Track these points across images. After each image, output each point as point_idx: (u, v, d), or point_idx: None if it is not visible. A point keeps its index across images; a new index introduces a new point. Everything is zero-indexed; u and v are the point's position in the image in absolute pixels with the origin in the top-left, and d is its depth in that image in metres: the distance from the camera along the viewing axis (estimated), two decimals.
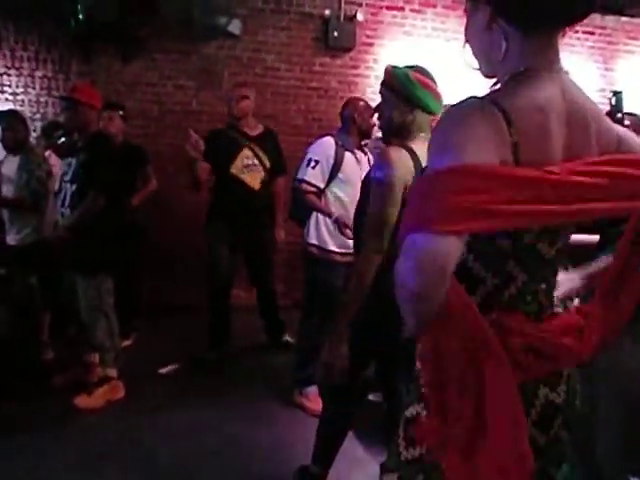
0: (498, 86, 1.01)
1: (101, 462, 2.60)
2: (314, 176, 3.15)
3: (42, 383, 3.35)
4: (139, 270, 4.18)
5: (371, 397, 3.14)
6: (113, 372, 3.24)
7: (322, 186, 3.16)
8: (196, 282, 4.34)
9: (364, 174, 3.10)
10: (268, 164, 3.74)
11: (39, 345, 3.70)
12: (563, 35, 0.99)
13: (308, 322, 3.26)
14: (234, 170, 3.65)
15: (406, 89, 2.05)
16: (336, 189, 3.17)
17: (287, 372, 3.40)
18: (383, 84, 2.14)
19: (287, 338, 4.07)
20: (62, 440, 2.79)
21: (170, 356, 3.75)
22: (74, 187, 3.12)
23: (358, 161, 3.21)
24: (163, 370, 3.64)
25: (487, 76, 1.06)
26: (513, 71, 0.97)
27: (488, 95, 0.97)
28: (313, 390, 3.24)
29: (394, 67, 2.13)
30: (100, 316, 3.16)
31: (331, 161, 3.14)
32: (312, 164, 3.16)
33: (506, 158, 0.89)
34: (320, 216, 3.20)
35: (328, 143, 3.18)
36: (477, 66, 1.06)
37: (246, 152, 3.67)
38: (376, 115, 2.26)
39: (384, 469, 1.10)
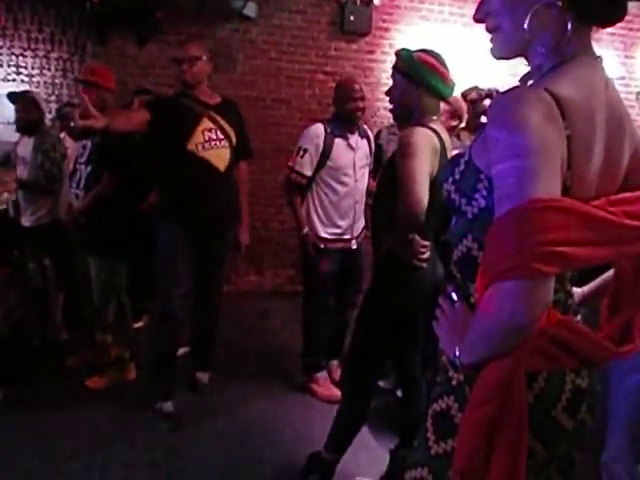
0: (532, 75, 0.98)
1: (112, 441, 2.64)
2: (303, 165, 3.10)
3: (56, 364, 3.40)
4: (153, 252, 4.19)
5: (381, 383, 3.16)
6: (125, 353, 3.28)
7: (309, 174, 3.11)
8: None
9: (362, 158, 3.19)
10: (234, 139, 2.93)
11: (53, 326, 3.75)
12: None
13: (308, 307, 3.28)
14: (192, 146, 2.77)
15: (410, 68, 2.06)
16: (326, 176, 3.12)
17: (296, 358, 3.42)
18: (393, 67, 2.15)
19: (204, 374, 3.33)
20: (74, 420, 2.83)
21: (182, 339, 3.78)
22: (89, 169, 3.13)
23: (351, 146, 3.14)
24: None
25: (500, 58, 1.02)
26: (561, 58, 0.94)
27: (539, 83, 0.93)
28: (322, 375, 3.25)
29: (402, 50, 2.13)
30: (112, 298, 3.20)
31: (320, 149, 3.07)
32: (301, 153, 3.10)
33: (563, 155, 0.88)
34: (311, 203, 3.15)
35: (316, 130, 3.11)
36: (495, 46, 1.01)
37: (207, 123, 2.83)
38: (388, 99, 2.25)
39: (411, 462, 1.09)
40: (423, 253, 2.11)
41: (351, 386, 2.33)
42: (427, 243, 2.10)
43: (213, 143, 2.83)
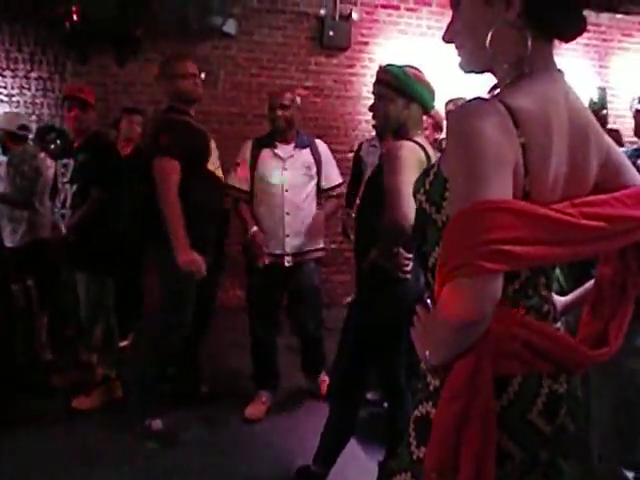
0: (496, 86, 1.02)
1: (99, 462, 2.60)
2: (237, 179, 3.08)
3: (41, 384, 3.35)
4: (140, 271, 4.17)
5: (369, 396, 3.16)
6: (111, 372, 3.25)
7: (244, 187, 3.07)
8: None
9: (296, 168, 3.05)
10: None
11: (37, 346, 3.70)
12: None
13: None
14: (210, 166, 2.92)
15: (403, 83, 2.09)
16: (256, 188, 3.07)
17: (284, 372, 3.41)
18: (378, 82, 2.18)
19: (204, 389, 3.38)
20: (60, 440, 2.79)
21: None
22: (74, 187, 3.14)
23: (279, 156, 3.06)
24: None
25: (468, 72, 1.06)
26: (521, 71, 0.98)
27: (495, 95, 0.97)
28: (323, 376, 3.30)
29: (388, 65, 2.16)
30: (99, 316, 3.17)
31: (248, 161, 3.06)
32: (235, 167, 3.11)
33: (518, 161, 0.91)
34: (257, 218, 3.06)
35: (245, 144, 3.13)
36: (462, 61, 1.05)
37: (212, 142, 2.97)
38: (371, 115, 2.28)
39: (395, 468, 1.10)
40: (407, 265, 2.13)
41: (338, 398, 2.33)
42: (410, 255, 2.13)
43: (217, 160, 3.11)
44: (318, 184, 3.18)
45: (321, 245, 3.23)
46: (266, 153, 3.04)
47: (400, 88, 2.10)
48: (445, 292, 0.87)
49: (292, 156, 3.07)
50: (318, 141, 3.27)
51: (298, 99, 3.13)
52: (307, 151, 3.13)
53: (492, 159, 0.88)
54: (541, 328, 0.98)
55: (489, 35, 0.98)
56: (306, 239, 3.10)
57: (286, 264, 3.05)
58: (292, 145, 3.09)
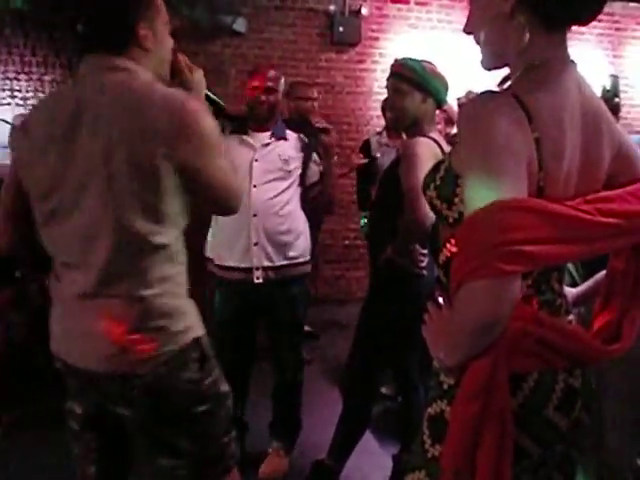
0: (510, 80, 1.00)
1: None
2: None
3: (59, 385, 3.39)
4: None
5: (383, 390, 3.17)
6: None
7: None
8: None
9: (270, 161, 2.41)
10: None
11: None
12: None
13: None
14: None
15: (421, 78, 2.08)
16: None
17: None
18: (396, 76, 2.15)
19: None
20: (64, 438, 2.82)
21: None
22: None
23: (249, 144, 2.46)
24: None
25: (489, 68, 1.05)
26: (529, 63, 0.96)
27: (507, 89, 0.96)
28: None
29: (404, 59, 2.15)
30: None
31: None
32: None
33: (531, 156, 0.90)
34: (220, 220, 2.42)
35: None
36: (483, 58, 1.04)
37: None
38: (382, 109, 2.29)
39: (409, 467, 1.11)
40: (422, 261, 2.14)
41: (352, 393, 2.34)
42: (425, 251, 2.13)
43: None
44: (302, 183, 2.55)
45: (304, 258, 2.53)
46: (233, 139, 2.45)
47: (418, 82, 2.09)
48: (463, 294, 0.86)
49: (267, 145, 2.46)
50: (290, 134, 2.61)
51: (282, 80, 2.57)
52: (291, 144, 2.53)
53: (508, 155, 0.87)
54: (555, 324, 0.97)
55: (486, 29, 0.98)
56: (282, 249, 2.42)
57: (255, 280, 2.38)
58: (268, 133, 2.48)
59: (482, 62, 1.05)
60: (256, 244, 2.37)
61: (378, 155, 3.56)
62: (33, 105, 1.38)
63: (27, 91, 5.08)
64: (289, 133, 2.56)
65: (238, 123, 2.52)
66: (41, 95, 5.09)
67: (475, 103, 0.93)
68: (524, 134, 0.89)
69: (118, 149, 1.22)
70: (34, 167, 1.31)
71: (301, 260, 2.51)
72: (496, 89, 0.98)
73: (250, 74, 2.55)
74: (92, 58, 1.32)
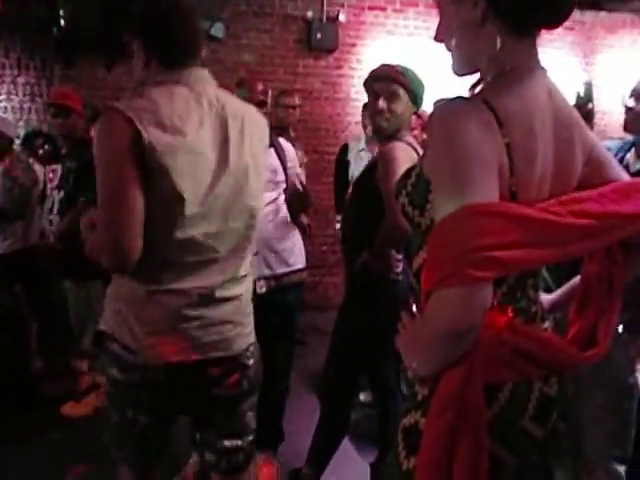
0: (481, 85, 1.00)
1: (90, 470, 2.58)
2: None
3: (31, 393, 3.32)
4: None
5: (362, 397, 3.16)
6: (102, 379, 3.22)
7: None
8: None
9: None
10: None
11: (27, 354, 3.67)
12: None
13: None
14: None
15: (415, 86, 2.10)
16: None
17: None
18: (392, 81, 2.10)
19: None
20: (51, 448, 2.77)
21: None
22: (61, 194, 3.11)
23: None
24: None
25: (460, 74, 1.04)
26: (499, 69, 0.96)
27: (477, 94, 0.95)
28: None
29: (398, 65, 2.13)
30: (89, 323, 3.15)
31: None
32: None
33: (502, 161, 0.90)
34: None
35: None
36: (454, 64, 1.04)
37: None
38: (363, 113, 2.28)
39: (386, 479, 1.09)
40: (397, 266, 2.14)
41: (330, 400, 2.33)
42: (400, 256, 2.13)
43: None
44: (286, 189, 2.56)
45: (301, 264, 2.56)
46: None
47: (413, 90, 2.10)
48: (433, 302, 0.85)
49: None
50: (282, 141, 2.69)
51: (269, 92, 2.58)
52: (272, 151, 2.50)
53: (478, 160, 0.86)
54: (530, 332, 0.96)
55: (456, 37, 0.98)
56: (281, 257, 2.46)
57: (258, 290, 2.39)
58: None
59: (453, 68, 1.04)
60: (256, 254, 2.28)
61: (349, 158, 3.57)
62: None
63: (0, 93, 4.98)
64: (277, 141, 2.54)
65: None
66: (14, 97, 5.00)
67: (444, 109, 0.92)
68: (494, 140, 0.89)
69: None
70: None
71: (299, 267, 2.53)
72: (467, 95, 0.98)
73: (239, 85, 2.49)
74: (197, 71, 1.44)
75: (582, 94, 3.28)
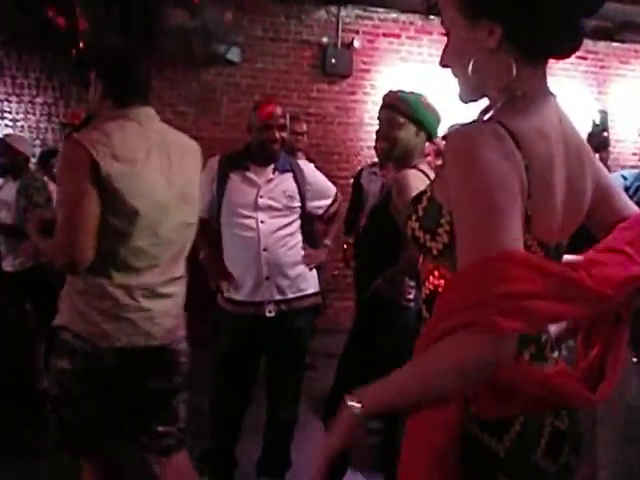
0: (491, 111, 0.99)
1: None
2: None
3: (36, 412, 3.30)
4: None
5: (370, 424, 3.10)
6: None
7: (203, 215, 2.29)
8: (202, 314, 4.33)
9: (275, 197, 2.40)
10: None
11: (34, 373, 3.66)
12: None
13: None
14: None
15: (415, 111, 2.09)
16: (224, 219, 2.43)
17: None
18: (390, 108, 2.15)
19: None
20: (58, 468, 2.73)
21: None
22: None
23: (252, 181, 2.42)
24: None
25: (468, 101, 1.03)
26: (511, 95, 0.95)
27: (492, 118, 0.93)
28: None
29: (400, 92, 2.16)
30: None
31: (213, 186, 2.42)
32: None
33: (523, 183, 0.88)
34: (229, 255, 2.45)
35: (209, 163, 2.45)
36: (462, 90, 1.02)
37: None
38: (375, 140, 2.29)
39: None
40: (410, 293, 2.12)
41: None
42: (413, 283, 2.12)
43: None
44: (303, 215, 2.53)
45: (314, 289, 2.54)
46: (235, 176, 2.42)
47: (412, 116, 2.10)
48: (452, 343, 0.82)
49: (270, 181, 2.43)
50: (302, 163, 2.67)
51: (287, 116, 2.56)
52: (289, 176, 2.48)
53: (502, 190, 0.84)
54: (543, 380, 0.93)
55: (471, 63, 0.96)
56: (294, 281, 2.43)
57: (267, 314, 2.38)
58: (271, 168, 2.45)
59: (461, 95, 1.03)
60: (267, 278, 2.36)
61: (362, 181, 3.60)
62: None
63: (17, 113, 5.07)
64: (294, 163, 2.56)
65: (242, 159, 2.48)
66: (31, 117, 5.08)
67: (461, 134, 0.90)
68: (515, 162, 0.87)
69: None
70: None
71: (312, 291, 2.51)
72: (482, 119, 0.97)
73: (256, 109, 2.48)
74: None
75: (598, 122, 3.27)
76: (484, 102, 1.04)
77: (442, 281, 0.99)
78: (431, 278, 1.01)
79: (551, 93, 0.99)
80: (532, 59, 0.95)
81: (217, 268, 2.47)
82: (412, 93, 2.15)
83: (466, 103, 1.04)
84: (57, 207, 1.64)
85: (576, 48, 0.97)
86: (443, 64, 1.03)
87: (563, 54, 0.98)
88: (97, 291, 1.64)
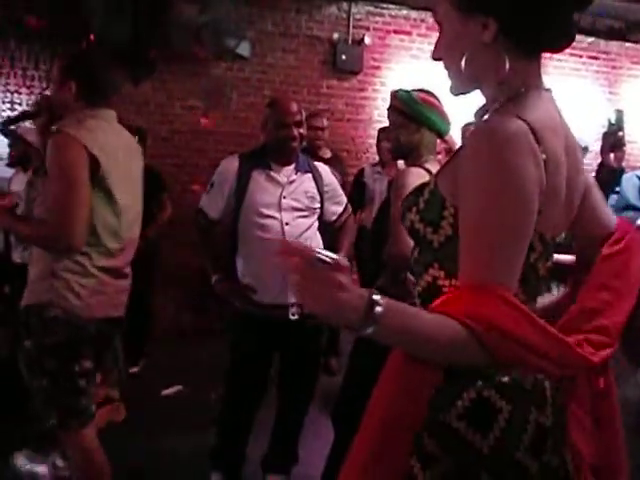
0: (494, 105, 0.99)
1: None
2: (209, 202, 2.45)
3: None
4: (150, 295, 4.15)
5: None
6: (115, 393, 3.21)
7: (214, 215, 2.42)
8: (206, 306, 4.36)
9: (298, 197, 2.40)
10: None
11: None
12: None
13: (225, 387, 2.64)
14: None
15: (411, 108, 2.09)
16: (245, 221, 2.37)
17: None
18: (390, 107, 2.19)
19: None
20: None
21: (175, 378, 3.71)
22: None
23: (276, 181, 2.41)
24: (166, 392, 3.60)
25: (458, 94, 1.04)
26: (513, 90, 0.95)
27: (507, 111, 0.92)
28: None
29: (398, 90, 2.16)
30: None
31: (232, 185, 2.38)
32: (208, 187, 2.48)
33: (542, 180, 0.88)
34: (238, 261, 2.44)
35: (227, 164, 2.45)
36: (454, 83, 1.03)
37: None
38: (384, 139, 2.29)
39: None
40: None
41: (344, 422, 2.29)
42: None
43: None
44: (321, 217, 2.53)
45: None
46: (258, 176, 2.38)
47: (409, 113, 2.10)
48: (457, 337, 0.86)
49: (293, 182, 2.42)
50: (319, 164, 2.64)
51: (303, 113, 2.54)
52: (309, 177, 2.48)
53: (526, 191, 0.85)
54: (554, 335, 0.91)
55: (464, 57, 0.96)
56: None
57: (291, 316, 2.35)
58: (292, 167, 2.44)
59: (452, 88, 1.04)
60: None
61: (366, 180, 3.60)
62: None
63: (28, 104, 5.07)
64: (313, 165, 2.55)
65: (263, 158, 2.45)
66: None
67: (486, 131, 0.90)
68: (537, 160, 0.87)
69: None
70: None
71: None
72: (503, 112, 0.95)
73: (271, 106, 2.49)
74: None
75: (613, 121, 3.23)
76: (476, 95, 1.04)
77: (441, 272, 0.99)
78: (430, 270, 1.00)
79: (547, 88, 0.98)
80: (526, 53, 0.95)
81: (233, 290, 2.43)
82: (411, 91, 2.14)
83: (456, 96, 1.05)
84: (56, 195, 1.81)
85: (570, 41, 0.97)
86: (435, 57, 1.04)
87: (557, 48, 0.98)
88: (81, 270, 1.89)
